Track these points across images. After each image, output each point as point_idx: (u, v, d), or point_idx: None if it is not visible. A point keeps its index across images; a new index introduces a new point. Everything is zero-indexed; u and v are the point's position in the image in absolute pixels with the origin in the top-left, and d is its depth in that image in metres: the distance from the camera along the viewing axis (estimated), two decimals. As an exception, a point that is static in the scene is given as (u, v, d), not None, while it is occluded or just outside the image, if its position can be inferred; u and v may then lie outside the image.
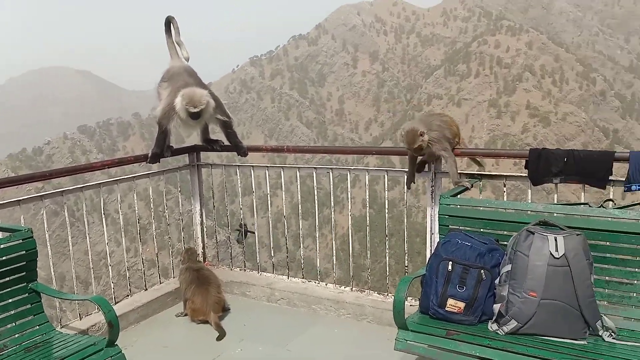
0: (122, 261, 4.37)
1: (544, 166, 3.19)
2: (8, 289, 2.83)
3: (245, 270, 4.73)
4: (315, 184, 4.33)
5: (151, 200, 4.37)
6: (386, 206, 4.23)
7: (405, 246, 4.01)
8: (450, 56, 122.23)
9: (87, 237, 4.17)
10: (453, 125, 3.54)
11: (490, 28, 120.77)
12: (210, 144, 4.57)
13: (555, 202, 3.18)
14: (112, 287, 4.14)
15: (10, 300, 2.82)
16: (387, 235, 4.26)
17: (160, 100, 4.27)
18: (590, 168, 3.06)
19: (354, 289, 4.16)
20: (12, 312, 2.83)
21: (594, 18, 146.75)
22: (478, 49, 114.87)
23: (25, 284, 2.88)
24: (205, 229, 4.87)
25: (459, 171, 3.45)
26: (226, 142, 4.47)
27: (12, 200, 3.50)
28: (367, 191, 4.31)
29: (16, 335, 2.80)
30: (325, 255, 4.69)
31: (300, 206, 4.57)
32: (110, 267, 4.32)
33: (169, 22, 4.46)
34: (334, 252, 4.66)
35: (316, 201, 4.34)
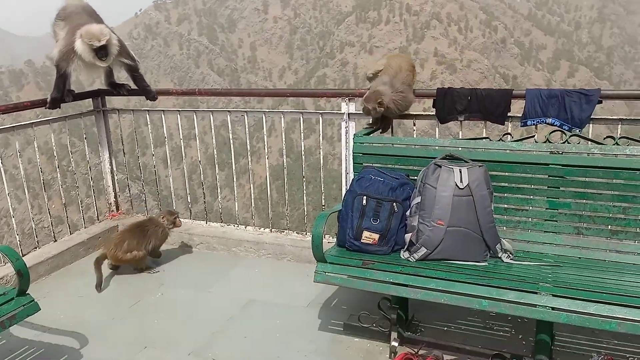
0: (25, 219, 4.13)
1: (449, 104, 3.37)
2: None
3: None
4: (230, 130, 4.27)
5: (54, 152, 4.12)
6: (302, 152, 4.30)
7: (322, 187, 4.12)
8: (361, 3, 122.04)
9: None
10: (411, 72, 3.42)
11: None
12: (116, 88, 4.35)
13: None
14: (18, 241, 3.91)
15: None
16: (304, 178, 4.35)
17: (56, 40, 3.97)
18: (491, 106, 3.28)
19: (273, 230, 4.24)
20: None
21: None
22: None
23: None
24: (116, 179, 4.71)
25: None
26: (133, 87, 4.27)
27: None
28: (283, 136, 4.30)
29: None
30: (243, 205, 4.70)
31: (216, 156, 4.46)
32: (15, 224, 4.06)
33: None
34: (252, 202, 4.66)
35: (232, 150, 4.28)
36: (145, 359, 2.95)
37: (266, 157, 4.45)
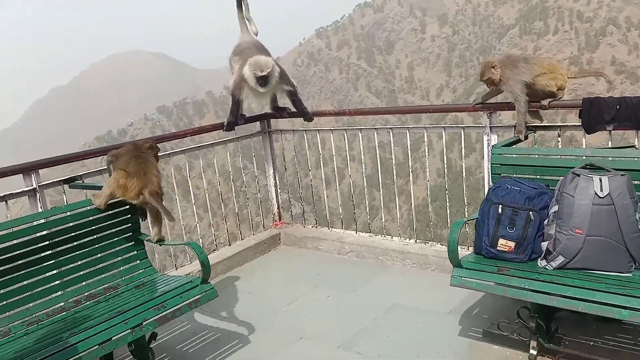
0: (205, 234, 4.83)
1: (596, 114, 3.30)
2: (117, 238, 3.36)
3: (317, 227, 5.13)
4: (392, 145, 4.44)
5: (230, 175, 4.82)
6: (445, 161, 4.41)
7: (465, 199, 4.23)
8: (525, 14, 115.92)
9: (179, 209, 4.61)
10: (547, 73, 3.43)
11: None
12: (278, 112, 4.95)
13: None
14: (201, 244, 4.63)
15: (119, 248, 3.35)
16: (446, 189, 4.48)
17: (232, 72, 4.65)
18: (642, 114, 3.15)
19: (417, 240, 4.44)
20: (122, 258, 3.37)
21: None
22: (556, 3, 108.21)
23: (131, 233, 3.41)
24: (279, 192, 5.30)
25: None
26: (293, 110, 4.83)
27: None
28: (444, 151, 4.24)
29: (125, 277, 3.34)
30: (400, 226, 4.89)
31: (380, 176, 4.68)
32: (199, 237, 4.72)
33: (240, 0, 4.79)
34: (413, 222, 4.73)
35: (394, 167, 4.57)
36: (301, 348, 3.36)
37: (427, 176, 4.60)
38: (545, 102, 3.51)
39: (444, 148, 4.19)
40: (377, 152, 4.82)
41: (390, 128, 4.52)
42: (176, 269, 4.35)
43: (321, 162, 5.13)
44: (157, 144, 3.59)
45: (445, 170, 4.55)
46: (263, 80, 4.32)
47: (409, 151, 4.31)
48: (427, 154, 4.58)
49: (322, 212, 5.26)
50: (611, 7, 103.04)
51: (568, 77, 3.52)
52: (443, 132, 4.19)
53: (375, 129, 4.61)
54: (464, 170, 4.64)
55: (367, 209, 5.82)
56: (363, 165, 4.95)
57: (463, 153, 4.29)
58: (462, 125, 4.02)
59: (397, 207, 5.03)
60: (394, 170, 4.80)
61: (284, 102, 4.92)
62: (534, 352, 2.88)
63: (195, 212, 4.66)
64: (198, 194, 4.75)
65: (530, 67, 3.45)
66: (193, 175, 4.91)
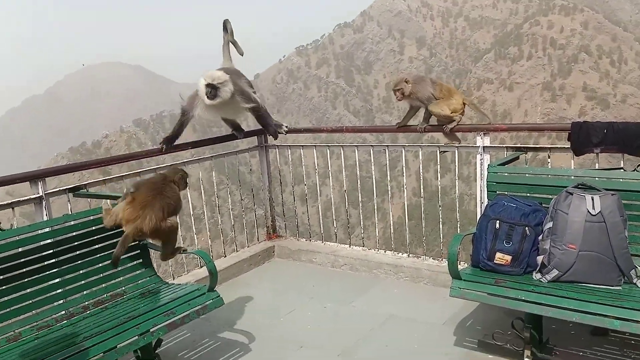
0: (204, 248, 4.88)
1: (585, 137, 3.51)
2: (124, 246, 3.42)
3: (310, 240, 5.23)
4: (373, 164, 4.62)
5: (228, 188, 4.91)
6: (439, 182, 4.61)
7: (458, 215, 4.41)
8: (500, 39, 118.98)
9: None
10: (444, 99, 4.05)
11: (543, 8, 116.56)
12: (238, 132, 4.78)
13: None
14: (209, 248, 4.65)
15: (126, 255, 3.40)
16: (440, 206, 4.66)
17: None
18: (627, 138, 3.37)
19: (410, 255, 4.59)
20: (129, 265, 3.42)
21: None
22: (530, 30, 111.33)
23: (137, 241, 3.47)
24: (274, 206, 5.39)
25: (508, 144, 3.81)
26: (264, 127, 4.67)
27: (117, 175, 4.13)
28: (420, 169, 4.49)
29: (131, 285, 3.39)
30: (378, 245, 5.06)
31: (359, 194, 4.90)
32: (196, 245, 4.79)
33: (225, 24, 4.72)
34: (391, 239, 4.99)
35: (374, 183, 4.74)
36: (302, 357, 3.45)
37: (404, 193, 4.80)
38: (446, 128, 4.11)
39: (421, 167, 4.47)
40: (358, 170, 4.95)
41: (387, 146, 4.69)
42: (173, 278, 4.40)
43: (304, 176, 5.28)
44: (185, 174, 3.55)
45: (422, 189, 4.73)
46: (212, 91, 4.05)
47: (387, 163, 4.60)
48: (404, 172, 4.72)
49: (303, 226, 5.36)
50: (584, 35, 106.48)
51: (463, 103, 4.10)
52: (420, 151, 4.42)
53: (356, 146, 4.80)
54: (439, 190, 4.82)
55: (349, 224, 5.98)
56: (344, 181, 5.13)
57: (457, 172, 4.46)
58: (456, 145, 4.20)
59: (374, 224, 5.21)
60: (374, 189, 4.88)
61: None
62: (528, 362, 3.03)
63: (192, 223, 4.72)
64: (195, 206, 4.79)
65: (434, 87, 4.09)
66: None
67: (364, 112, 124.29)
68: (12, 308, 2.91)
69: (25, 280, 3.00)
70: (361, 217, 5.05)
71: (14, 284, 2.94)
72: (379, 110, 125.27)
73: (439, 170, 4.50)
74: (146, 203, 3.19)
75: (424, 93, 4.08)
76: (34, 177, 3.51)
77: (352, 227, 5.13)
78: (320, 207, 5.45)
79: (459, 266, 3.13)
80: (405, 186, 4.83)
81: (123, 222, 3.22)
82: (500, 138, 4.71)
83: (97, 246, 3.32)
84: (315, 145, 5.05)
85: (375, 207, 5.05)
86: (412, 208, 4.84)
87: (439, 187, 4.78)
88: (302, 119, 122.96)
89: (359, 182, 4.86)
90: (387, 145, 4.68)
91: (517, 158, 3.85)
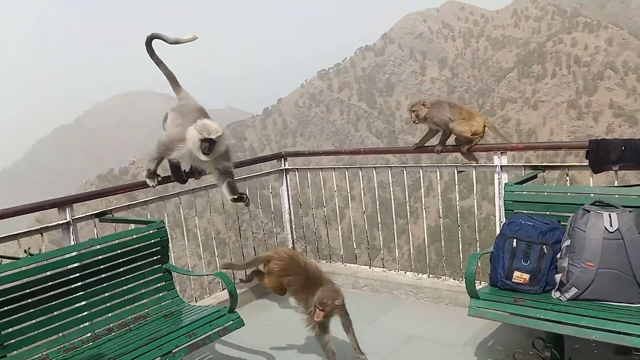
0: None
1: (603, 155, 3.50)
2: (148, 269, 3.52)
3: (330, 262, 5.27)
4: (391, 185, 4.71)
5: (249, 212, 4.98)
6: (457, 203, 4.62)
7: (477, 233, 4.40)
8: (523, 58, 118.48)
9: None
10: (465, 120, 4.03)
11: (566, 26, 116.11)
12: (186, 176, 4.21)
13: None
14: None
15: (150, 278, 3.50)
16: (459, 226, 4.66)
17: (166, 121, 4.00)
18: (646, 155, 3.36)
19: (431, 275, 4.58)
20: (152, 288, 3.51)
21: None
22: (553, 48, 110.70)
23: (160, 265, 3.56)
24: (294, 227, 5.46)
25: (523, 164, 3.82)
26: (227, 194, 3.93)
27: (140, 201, 4.25)
28: (438, 189, 4.56)
29: (154, 307, 3.47)
30: (402, 266, 5.04)
31: (378, 216, 4.83)
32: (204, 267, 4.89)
33: (149, 40, 4.05)
34: (410, 259, 5.00)
35: (393, 208, 4.79)
36: (323, 377, 3.47)
37: (424, 217, 4.83)
38: (464, 149, 4.12)
39: (441, 187, 4.52)
40: (377, 192, 5.00)
41: (404, 166, 4.74)
42: (196, 302, 4.47)
43: (323, 200, 5.34)
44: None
45: (441, 210, 4.76)
46: (209, 146, 3.57)
47: (405, 186, 4.62)
48: (423, 193, 4.74)
49: (324, 250, 5.41)
50: (608, 52, 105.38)
51: (484, 126, 4.07)
52: (440, 172, 4.49)
53: (374, 167, 4.85)
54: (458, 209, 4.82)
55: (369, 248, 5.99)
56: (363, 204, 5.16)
57: (475, 192, 4.47)
58: (474, 165, 4.22)
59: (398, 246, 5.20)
60: (393, 210, 4.94)
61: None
62: (549, 382, 2.99)
63: (215, 246, 4.80)
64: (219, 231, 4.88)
65: (452, 110, 4.08)
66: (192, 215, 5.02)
67: (387, 134, 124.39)
68: (40, 330, 3.02)
69: (53, 303, 3.11)
70: (380, 239, 5.07)
71: (42, 306, 3.05)
72: (401, 132, 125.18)
73: (457, 190, 4.51)
74: (310, 285, 3.47)
75: (441, 117, 4.09)
76: (61, 204, 3.65)
77: (375, 250, 5.15)
78: (340, 229, 5.47)
79: (478, 286, 3.13)
80: (427, 207, 4.85)
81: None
82: (526, 157, 4.74)
83: (121, 269, 3.42)
84: (334, 168, 5.12)
85: (398, 228, 5.03)
86: (437, 229, 4.84)
87: (457, 207, 4.78)
88: (325, 142, 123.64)
89: (377, 204, 4.88)
90: (404, 167, 4.73)
91: (535, 176, 3.86)
